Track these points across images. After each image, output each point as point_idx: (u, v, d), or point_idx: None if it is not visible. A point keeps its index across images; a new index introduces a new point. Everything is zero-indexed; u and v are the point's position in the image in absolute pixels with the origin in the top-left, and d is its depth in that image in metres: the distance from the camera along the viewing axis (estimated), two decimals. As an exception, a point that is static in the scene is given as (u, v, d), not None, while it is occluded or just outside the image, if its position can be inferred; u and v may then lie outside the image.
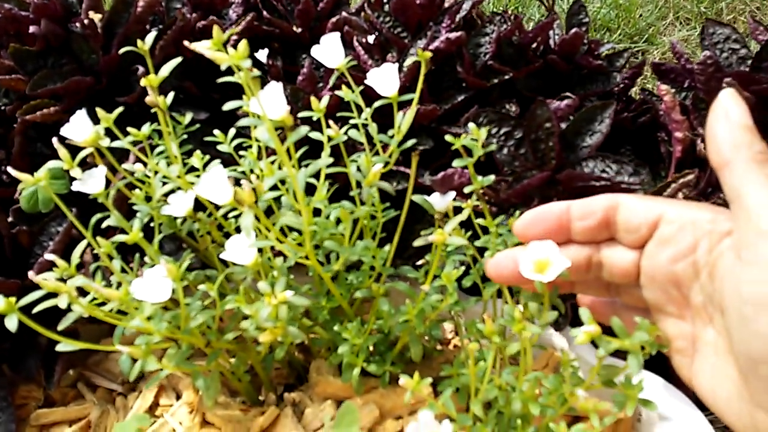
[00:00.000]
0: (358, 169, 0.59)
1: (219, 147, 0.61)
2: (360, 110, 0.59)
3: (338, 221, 0.61)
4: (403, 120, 0.59)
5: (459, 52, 0.80)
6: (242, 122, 0.43)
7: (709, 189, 0.78)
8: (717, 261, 0.37)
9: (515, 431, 0.53)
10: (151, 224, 0.60)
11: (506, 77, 0.80)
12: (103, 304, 0.51)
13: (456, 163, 0.52)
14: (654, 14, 1.91)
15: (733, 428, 0.38)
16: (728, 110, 0.36)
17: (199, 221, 0.58)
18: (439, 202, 0.60)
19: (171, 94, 0.58)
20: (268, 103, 0.44)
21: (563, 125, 0.67)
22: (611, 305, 0.48)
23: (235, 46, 0.71)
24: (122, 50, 0.57)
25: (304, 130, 0.43)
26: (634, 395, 0.45)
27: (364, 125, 0.60)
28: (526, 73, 0.82)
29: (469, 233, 0.59)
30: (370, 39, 0.74)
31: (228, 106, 0.48)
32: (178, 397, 0.65)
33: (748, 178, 0.35)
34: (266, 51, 0.74)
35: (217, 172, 0.44)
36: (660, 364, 0.57)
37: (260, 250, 0.57)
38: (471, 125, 0.50)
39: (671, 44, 0.86)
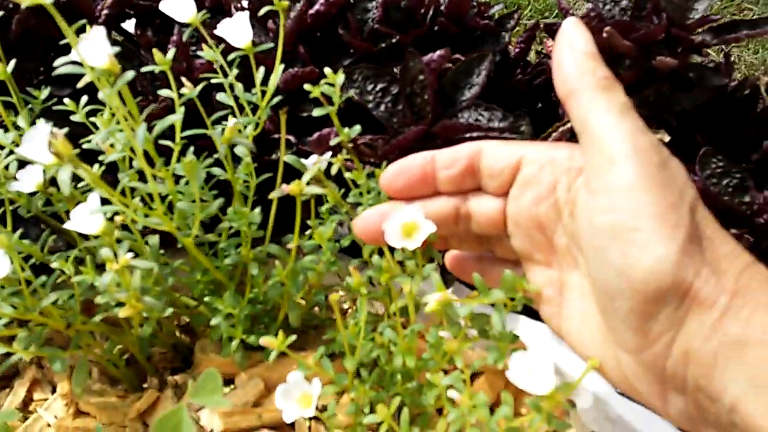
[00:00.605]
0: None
1: (72, 117, 0.57)
2: (226, 72, 0.57)
3: (203, 186, 0.58)
4: (271, 78, 0.57)
5: (344, 16, 0.78)
6: (60, 70, 0.40)
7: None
8: (575, 198, 0.36)
9: (396, 387, 0.51)
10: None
11: (393, 41, 0.78)
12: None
13: (316, 112, 0.50)
14: (563, -10, 1.94)
15: (602, 376, 0.37)
16: (572, 39, 0.35)
17: (51, 197, 0.55)
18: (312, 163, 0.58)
19: (13, 62, 0.54)
20: (90, 51, 0.41)
21: (442, 81, 0.65)
22: (479, 260, 0.46)
23: (105, 21, 0.67)
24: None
25: (130, 74, 0.40)
26: (504, 346, 0.44)
27: (232, 87, 0.58)
28: (413, 36, 0.81)
29: (342, 191, 0.57)
30: (244, 3, 0.71)
31: (58, 62, 0.44)
32: (55, 391, 0.61)
33: (593, 105, 0.34)
34: (133, 21, 0.70)
35: (39, 129, 0.41)
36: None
37: (127, 226, 0.53)
38: (327, 70, 0.48)
39: (557, 2, 0.86)
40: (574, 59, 0.35)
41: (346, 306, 0.71)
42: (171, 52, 0.50)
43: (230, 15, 0.76)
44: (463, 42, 0.86)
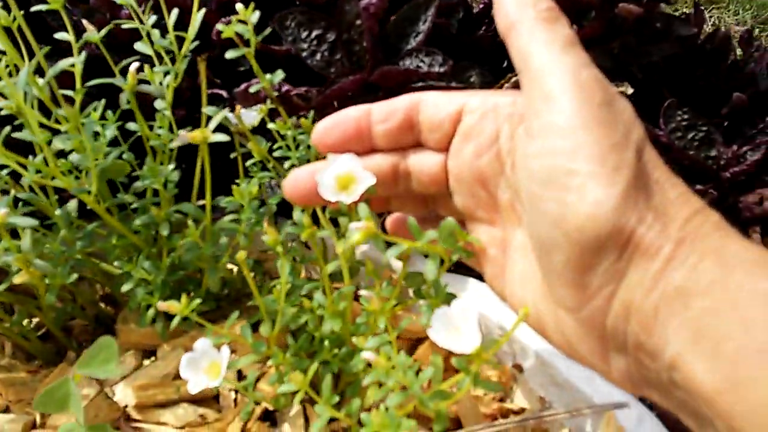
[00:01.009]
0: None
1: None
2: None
3: (117, 143, 0.53)
4: (190, 24, 0.52)
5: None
6: None
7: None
8: (517, 146, 0.33)
9: (323, 354, 0.47)
10: None
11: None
12: None
13: (229, 54, 0.45)
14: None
15: (544, 339, 0.35)
16: None
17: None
18: (244, 116, 0.53)
19: None
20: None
21: (385, 28, 0.60)
22: (422, 222, 0.43)
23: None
24: None
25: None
26: (436, 304, 0.40)
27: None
28: (362, -14, 0.76)
29: (269, 144, 0.52)
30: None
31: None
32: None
33: (533, 38, 0.31)
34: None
35: None
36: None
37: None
38: (238, 6, 0.43)
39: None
40: None
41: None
42: (63, -12, 0.45)
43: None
44: (418, -6, 0.81)
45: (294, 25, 0.59)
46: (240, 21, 0.45)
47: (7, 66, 0.49)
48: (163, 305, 0.39)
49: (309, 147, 0.52)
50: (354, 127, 0.38)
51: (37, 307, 0.53)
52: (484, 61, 0.82)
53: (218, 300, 0.57)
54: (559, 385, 0.49)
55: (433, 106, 0.37)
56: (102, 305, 0.60)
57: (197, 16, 0.52)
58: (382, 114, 0.37)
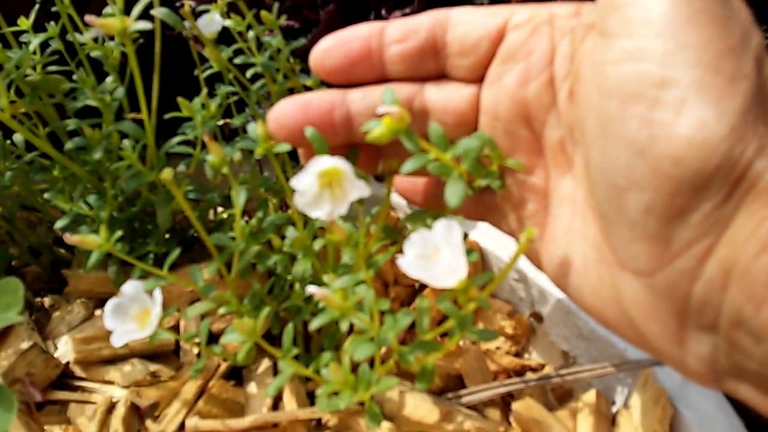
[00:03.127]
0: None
1: None
2: None
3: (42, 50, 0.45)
4: None
5: None
6: None
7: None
8: (580, 68, 0.26)
9: (292, 300, 0.39)
10: None
11: None
12: None
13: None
14: None
15: (591, 313, 0.28)
16: None
17: None
18: (204, 24, 0.45)
19: None
20: None
21: None
22: (437, 183, 0.36)
23: None
24: None
25: None
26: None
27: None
28: None
29: (230, 49, 0.43)
30: None
31: None
32: None
33: None
34: None
35: None
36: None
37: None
38: None
39: None
40: None
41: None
42: None
43: None
44: None
45: None
46: None
47: None
48: (73, 238, 0.31)
49: (279, 51, 0.43)
50: (362, 47, 0.30)
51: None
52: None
53: (187, 242, 0.50)
54: (585, 338, 0.40)
55: (466, 22, 0.30)
56: (61, 251, 0.53)
57: None
58: (399, 32, 0.30)
